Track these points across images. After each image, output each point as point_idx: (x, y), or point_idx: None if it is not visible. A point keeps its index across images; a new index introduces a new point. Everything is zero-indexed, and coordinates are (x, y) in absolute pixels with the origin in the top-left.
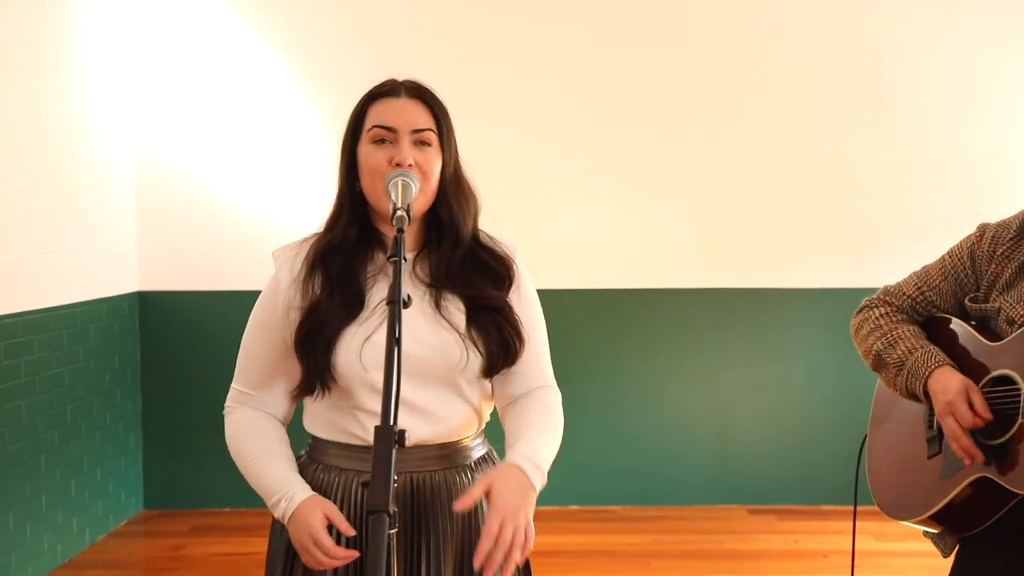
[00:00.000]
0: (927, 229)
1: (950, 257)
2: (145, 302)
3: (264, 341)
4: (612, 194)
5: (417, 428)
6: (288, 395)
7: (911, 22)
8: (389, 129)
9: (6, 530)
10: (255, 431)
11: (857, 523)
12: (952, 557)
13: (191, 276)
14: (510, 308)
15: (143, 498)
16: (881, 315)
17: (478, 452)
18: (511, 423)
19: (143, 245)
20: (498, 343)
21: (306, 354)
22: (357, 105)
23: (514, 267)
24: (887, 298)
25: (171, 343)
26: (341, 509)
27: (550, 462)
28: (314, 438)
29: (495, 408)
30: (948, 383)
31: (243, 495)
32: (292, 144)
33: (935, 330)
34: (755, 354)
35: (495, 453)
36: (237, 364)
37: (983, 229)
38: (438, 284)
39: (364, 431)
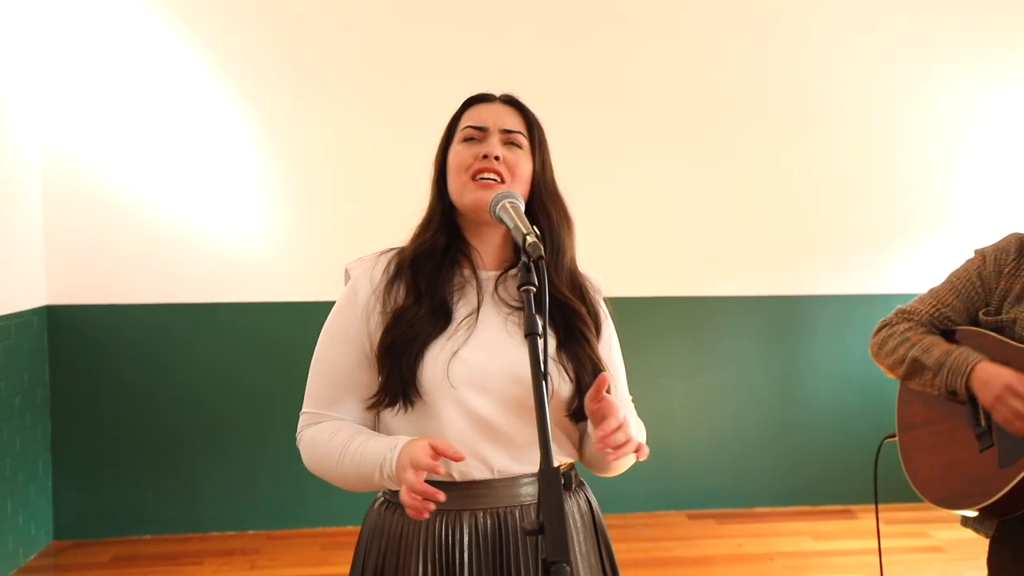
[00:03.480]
0: (856, 239)
1: (958, 280)
2: (55, 317)
3: (342, 354)
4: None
5: (501, 458)
6: (365, 408)
7: (848, 43)
8: (480, 128)
9: None
10: (335, 430)
11: (792, 524)
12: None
13: (105, 288)
14: (596, 345)
15: (52, 528)
16: (906, 329)
17: (570, 482)
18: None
19: (52, 255)
20: (590, 373)
21: (391, 363)
22: (451, 116)
23: (602, 309)
24: (905, 316)
25: (83, 361)
26: (429, 560)
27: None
28: None
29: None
30: (995, 374)
31: (164, 521)
32: (213, 148)
33: (960, 339)
34: (693, 361)
35: (587, 487)
36: (309, 385)
37: (983, 254)
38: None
39: (447, 464)
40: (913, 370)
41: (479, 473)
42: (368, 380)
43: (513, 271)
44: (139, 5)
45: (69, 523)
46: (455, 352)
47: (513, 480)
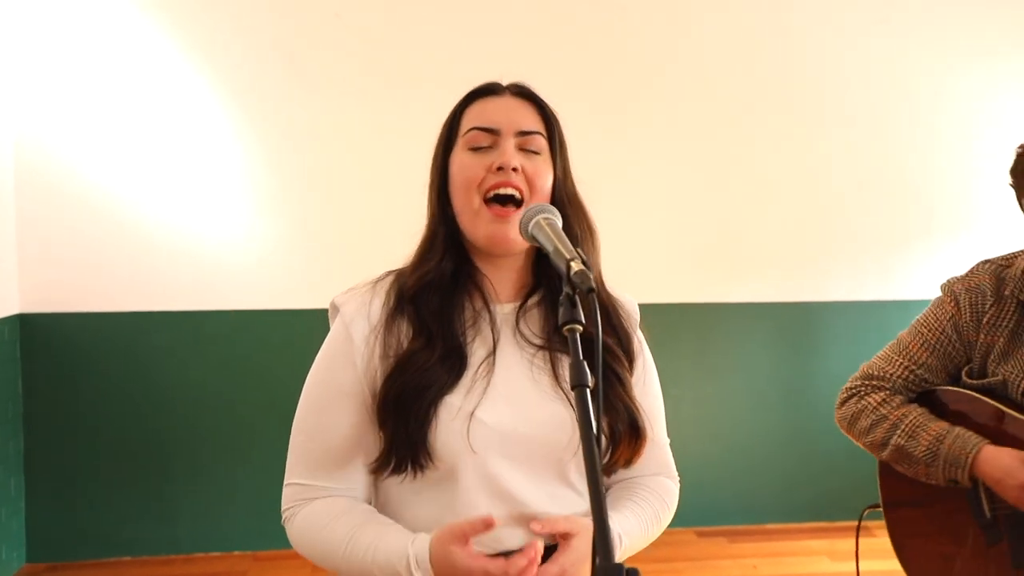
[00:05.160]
0: (871, 244)
1: (929, 331)
2: (28, 325)
3: (338, 411)
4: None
5: (515, 529)
6: (368, 473)
7: (864, 44)
8: (489, 131)
9: None
10: (335, 513)
11: (807, 542)
12: None
13: (82, 296)
14: (631, 385)
15: (25, 552)
16: (879, 402)
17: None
18: (614, 494)
19: (24, 259)
20: (626, 423)
21: (397, 420)
22: (450, 113)
23: (636, 338)
24: (875, 383)
25: (59, 373)
26: None
27: (631, 550)
28: None
29: None
30: (1007, 465)
31: (144, 542)
32: (197, 149)
33: (941, 405)
34: (702, 370)
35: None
36: (294, 450)
37: (954, 297)
38: (558, 345)
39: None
40: (898, 457)
41: (490, 548)
42: (371, 441)
43: (533, 300)
44: (124, 0)
45: (43, 546)
46: (472, 412)
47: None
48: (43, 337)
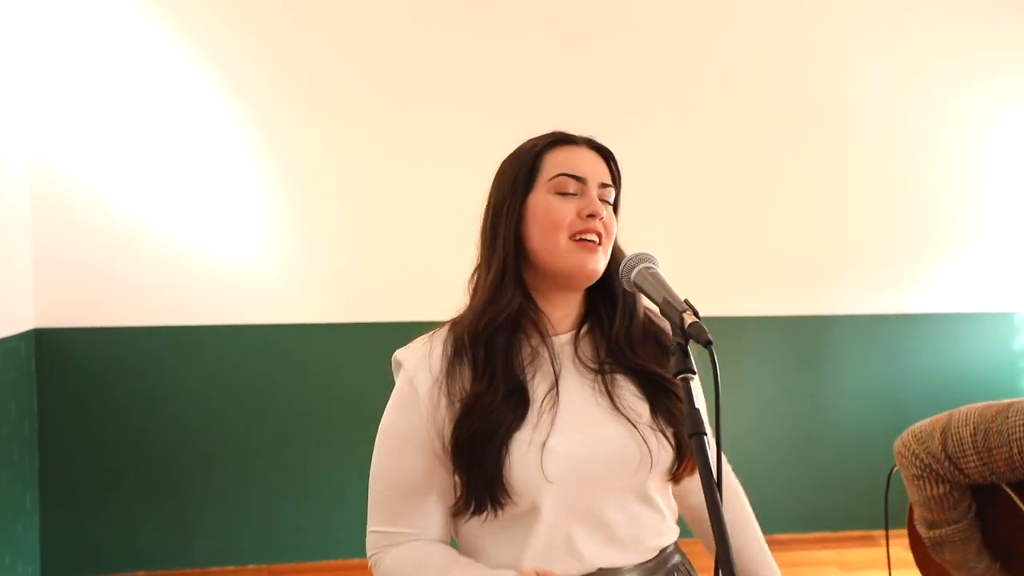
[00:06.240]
0: (879, 258)
1: (1020, 455)
2: (44, 341)
3: (410, 462)
4: None
5: (604, 553)
6: (447, 515)
7: (871, 59)
8: (578, 179)
9: None
10: (425, 556)
11: (816, 553)
12: None
13: (97, 310)
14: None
15: (40, 567)
16: (935, 496)
17: (672, 560)
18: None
19: (41, 275)
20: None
21: (471, 463)
22: (525, 155)
23: None
24: (944, 473)
25: (74, 388)
26: None
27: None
28: None
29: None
30: None
31: (158, 556)
32: (212, 163)
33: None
34: (707, 384)
35: (688, 560)
36: (373, 499)
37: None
38: (608, 368)
39: (553, 563)
40: (922, 535)
41: (577, 572)
42: (445, 482)
43: (584, 328)
44: (138, 14)
45: (58, 560)
46: (543, 443)
47: (625, 571)
48: (58, 352)
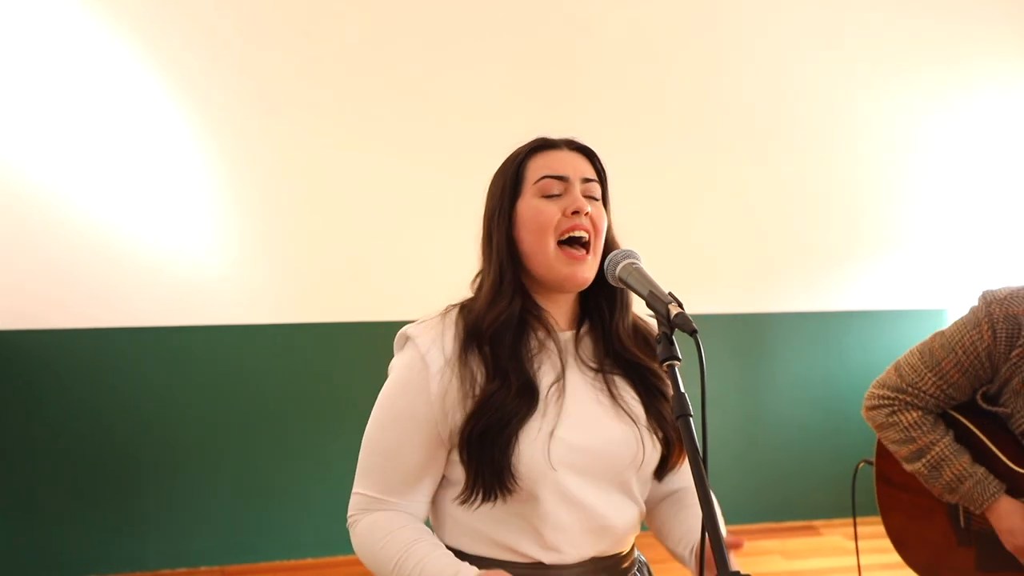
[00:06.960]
0: (819, 257)
1: (964, 353)
2: None
3: (410, 436)
4: None
5: (596, 544)
6: (429, 498)
7: (810, 63)
8: (560, 178)
9: None
10: (399, 525)
11: (760, 543)
12: None
13: (45, 313)
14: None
15: None
16: (910, 424)
17: (636, 552)
18: (675, 515)
19: None
20: (673, 428)
21: (482, 453)
22: (509, 165)
23: None
24: (908, 399)
25: (21, 390)
26: None
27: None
28: (456, 553)
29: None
30: (1013, 523)
31: (108, 560)
32: (163, 163)
33: (959, 436)
34: None
35: (643, 558)
36: (364, 464)
37: (992, 324)
38: (608, 368)
39: (541, 548)
40: (919, 476)
41: (571, 558)
42: (438, 465)
43: (584, 328)
44: (84, 13)
45: (6, 565)
46: (551, 432)
47: (596, 561)
48: (7, 355)
